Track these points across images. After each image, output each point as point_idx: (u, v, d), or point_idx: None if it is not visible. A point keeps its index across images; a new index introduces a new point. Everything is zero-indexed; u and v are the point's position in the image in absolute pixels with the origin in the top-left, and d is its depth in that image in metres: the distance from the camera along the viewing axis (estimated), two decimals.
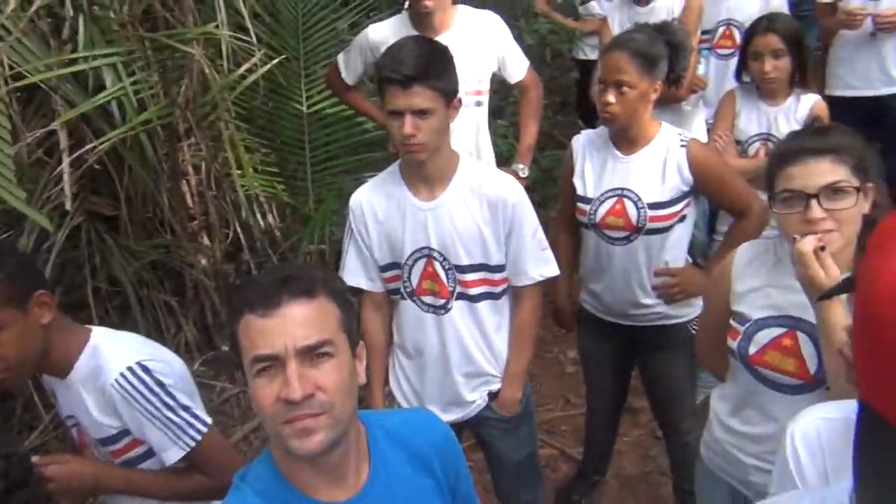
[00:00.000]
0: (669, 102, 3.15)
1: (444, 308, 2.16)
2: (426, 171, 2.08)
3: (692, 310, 2.46)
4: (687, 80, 3.16)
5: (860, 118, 3.22)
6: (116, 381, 1.62)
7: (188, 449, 1.67)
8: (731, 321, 1.82)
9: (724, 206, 2.57)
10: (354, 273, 2.19)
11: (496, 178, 2.16)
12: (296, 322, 1.14)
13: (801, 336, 1.69)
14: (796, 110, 2.86)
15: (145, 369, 1.64)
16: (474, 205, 2.10)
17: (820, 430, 1.25)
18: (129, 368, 1.63)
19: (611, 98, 2.30)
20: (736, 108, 2.96)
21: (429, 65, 1.97)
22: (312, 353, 1.14)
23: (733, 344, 1.79)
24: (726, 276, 1.84)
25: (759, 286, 1.77)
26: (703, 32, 3.54)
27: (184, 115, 3.14)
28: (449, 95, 2.01)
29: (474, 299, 2.16)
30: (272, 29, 3.56)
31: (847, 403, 1.31)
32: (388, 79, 1.97)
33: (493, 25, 2.99)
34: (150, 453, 1.71)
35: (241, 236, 3.54)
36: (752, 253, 1.83)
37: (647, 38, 2.37)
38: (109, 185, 3.28)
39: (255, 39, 3.16)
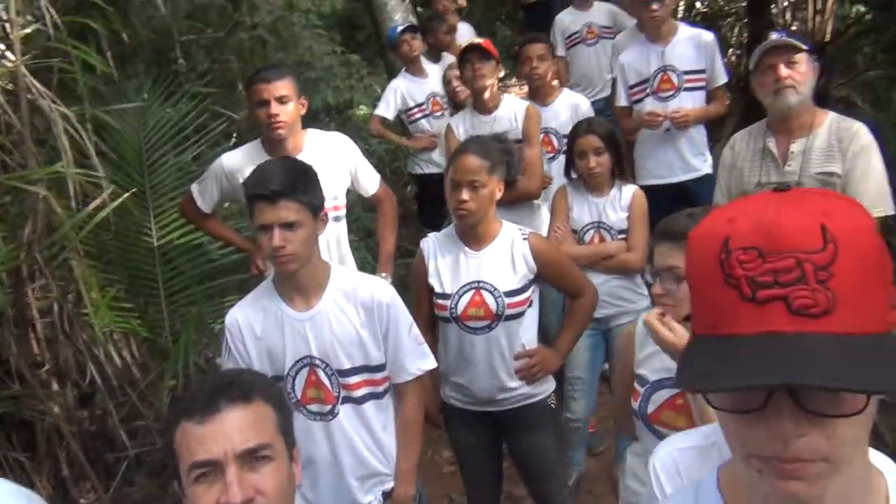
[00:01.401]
0: (523, 200, 3.49)
1: (332, 413, 2.20)
2: (300, 281, 2.16)
3: (549, 385, 2.71)
4: (539, 178, 3.58)
5: (669, 200, 3.64)
6: None
7: None
8: (634, 384, 1.99)
9: (562, 289, 2.86)
10: None
11: (367, 281, 2.28)
12: (234, 427, 1.16)
13: (690, 395, 1.83)
14: (620, 199, 3.21)
15: None
16: (350, 310, 2.20)
17: (676, 458, 1.40)
18: None
19: (465, 196, 2.51)
20: (568, 202, 3.29)
21: (294, 180, 2.10)
22: (251, 457, 1.16)
23: (635, 405, 1.95)
24: (630, 346, 2.03)
25: (655, 351, 1.91)
26: None
27: (30, 256, 3.04)
28: (315, 209, 2.14)
29: (359, 401, 2.22)
30: (117, 165, 3.55)
31: (696, 432, 1.48)
32: (256, 195, 2.08)
33: (342, 145, 3.18)
34: None
35: (97, 378, 3.38)
36: None
37: (489, 143, 2.65)
38: None
39: (102, 176, 3.15)
